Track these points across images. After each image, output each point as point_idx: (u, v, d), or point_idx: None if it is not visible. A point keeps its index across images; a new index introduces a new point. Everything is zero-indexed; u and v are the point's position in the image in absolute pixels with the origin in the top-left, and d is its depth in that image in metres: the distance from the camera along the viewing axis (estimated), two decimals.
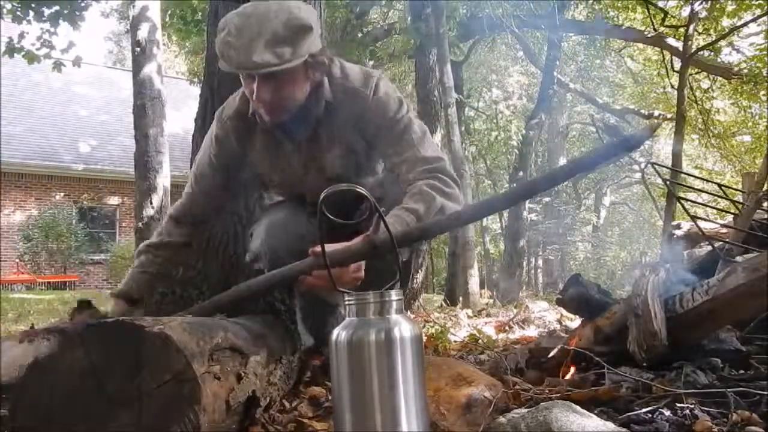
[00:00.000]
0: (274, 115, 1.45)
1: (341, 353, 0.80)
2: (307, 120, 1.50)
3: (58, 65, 6.84)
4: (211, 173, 1.66)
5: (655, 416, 1.07)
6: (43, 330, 1.18)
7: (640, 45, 10.31)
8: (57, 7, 6.19)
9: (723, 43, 8.75)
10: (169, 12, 8.25)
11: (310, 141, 1.55)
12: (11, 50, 6.52)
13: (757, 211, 2.07)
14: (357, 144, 1.55)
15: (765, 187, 3.00)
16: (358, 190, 0.88)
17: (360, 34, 8.84)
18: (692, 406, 1.09)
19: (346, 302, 0.83)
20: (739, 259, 1.64)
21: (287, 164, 1.60)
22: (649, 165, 1.64)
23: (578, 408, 0.98)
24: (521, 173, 9.88)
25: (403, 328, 0.79)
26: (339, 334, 0.81)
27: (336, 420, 0.81)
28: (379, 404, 0.77)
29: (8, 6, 6.03)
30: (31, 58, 6.64)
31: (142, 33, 6.73)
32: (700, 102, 9.54)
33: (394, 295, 0.82)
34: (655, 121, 11.08)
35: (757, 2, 7.59)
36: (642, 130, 1.01)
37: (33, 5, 6.12)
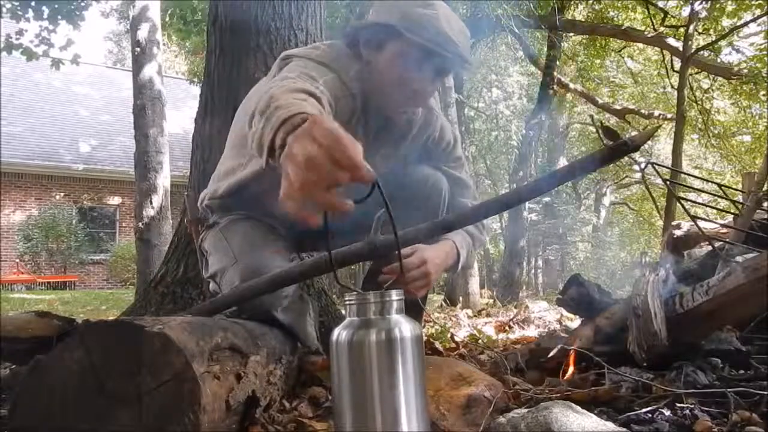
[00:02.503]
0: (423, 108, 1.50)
1: (341, 353, 0.80)
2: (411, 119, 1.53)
3: (56, 63, 6.85)
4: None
5: (655, 416, 1.07)
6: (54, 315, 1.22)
7: (640, 45, 10.31)
8: (56, 5, 6.20)
9: (723, 43, 8.75)
10: (169, 12, 8.26)
11: (396, 137, 1.53)
12: (9, 47, 6.53)
13: (757, 211, 2.07)
14: (410, 155, 1.57)
15: (765, 187, 3.00)
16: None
17: None
18: (692, 406, 1.09)
19: (347, 302, 0.83)
20: (739, 259, 1.64)
21: None
22: (649, 165, 1.64)
23: (578, 408, 0.98)
24: (521, 173, 9.88)
25: (403, 328, 0.79)
26: (339, 333, 0.80)
27: (336, 420, 0.81)
28: (380, 404, 0.77)
29: (8, 5, 6.04)
30: (30, 54, 6.66)
31: (142, 33, 6.74)
32: (700, 102, 9.54)
33: (395, 295, 0.82)
34: (655, 121, 11.08)
35: (757, 2, 7.59)
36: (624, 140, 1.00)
37: (33, 4, 6.13)
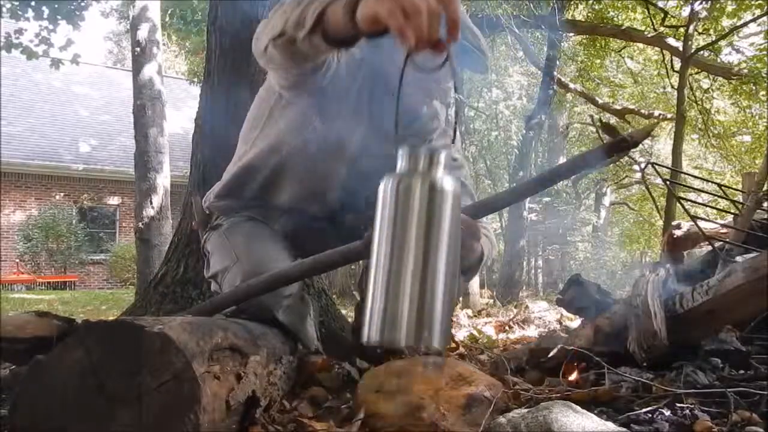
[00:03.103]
0: None
1: (387, 198, 0.83)
2: None
3: (56, 62, 6.85)
4: None
5: (655, 416, 1.07)
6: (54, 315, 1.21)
7: (640, 45, 10.30)
8: (56, 5, 6.21)
9: (723, 43, 8.74)
10: (169, 12, 8.26)
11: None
12: (9, 46, 6.54)
13: (757, 211, 2.07)
14: None
15: (765, 187, 3.00)
16: None
17: None
18: (692, 406, 1.09)
19: (399, 154, 0.86)
20: (739, 259, 1.64)
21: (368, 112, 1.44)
22: (649, 165, 1.64)
23: (578, 408, 0.98)
24: (521, 173, 9.87)
25: (446, 182, 0.84)
26: (387, 180, 0.84)
27: (373, 260, 0.84)
28: (414, 248, 0.81)
29: (8, 5, 6.05)
30: (30, 54, 6.67)
31: (142, 33, 6.74)
32: (700, 102, 9.53)
33: (443, 153, 0.86)
34: (655, 121, 11.07)
35: (757, 2, 7.59)
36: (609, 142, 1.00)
37: (33, 4, 6.14)
